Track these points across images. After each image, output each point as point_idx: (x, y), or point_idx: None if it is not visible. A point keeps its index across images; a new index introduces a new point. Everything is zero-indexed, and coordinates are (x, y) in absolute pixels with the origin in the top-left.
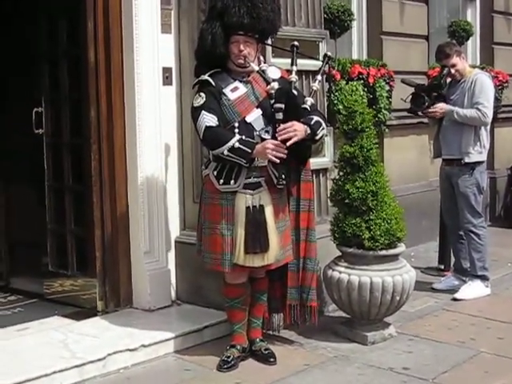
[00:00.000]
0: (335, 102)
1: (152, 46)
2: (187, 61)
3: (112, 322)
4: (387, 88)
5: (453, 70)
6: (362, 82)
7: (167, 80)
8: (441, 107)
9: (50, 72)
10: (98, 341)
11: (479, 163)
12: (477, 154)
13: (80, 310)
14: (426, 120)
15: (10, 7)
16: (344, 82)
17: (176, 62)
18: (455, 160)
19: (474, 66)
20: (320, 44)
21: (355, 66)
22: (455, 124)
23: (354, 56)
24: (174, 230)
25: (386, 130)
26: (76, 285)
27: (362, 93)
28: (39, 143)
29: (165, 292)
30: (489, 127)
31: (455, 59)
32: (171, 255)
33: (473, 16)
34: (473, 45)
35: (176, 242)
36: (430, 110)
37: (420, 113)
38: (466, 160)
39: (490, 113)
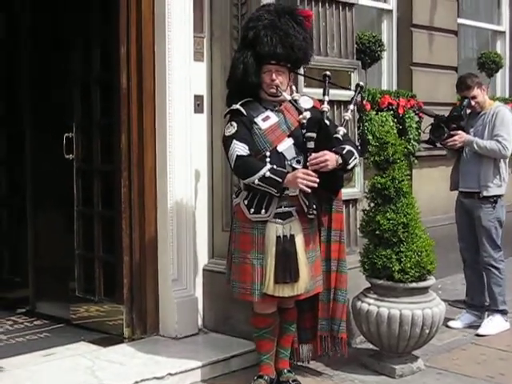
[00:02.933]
0: (365, 132)
1: (184, 74)
2: (219, 89)
3: (138, 350)
4: (416, 119)
5: (473, 102)
6: (392, 112)
7: (198, 108)
8: (460, 136)
9: (82, 97)
10: (124, 368)
11: (500, 197)
12: (496, 187)
13: (106, 337)
14: (444, 152)
15: (46, 32)
16: (374, 113)
17: (208, 89)
18: (475, 193)
19: (504, 99)
20: (352, 74)
21: (385, 96)
22: (474, 156)
23: (384, 87)
24: (203, 258)
25: (416, 161)
26: (103, 311)
27: (391, 123)
28: (69, 169)
29: (192, 320)
30: (508, 160)
31: (476, 91)
32: (199, 283)
33: (502, 48)
34: (502, 77)
35: (204, 270)
36: (449, 140)
37: (439, 144)
38: (485, 193)
39: (510, 146)
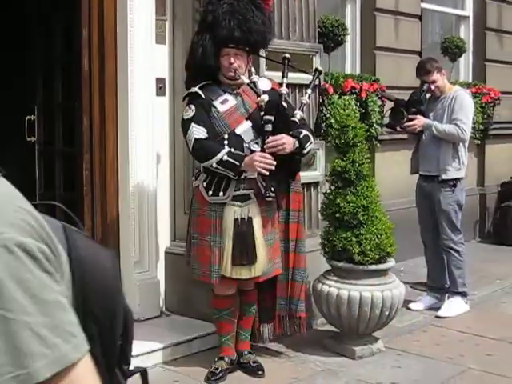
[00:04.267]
0: (327, 115)
1: (146, 57)
2: (181, 72)
3: None
4: (379, 103)
5: (433, 87)
6: (355, 96)
7: (160, 91)
8: (419, 120)
9: (44, 80)
10: None
11: (459, 180)
12: (455, 170)
13: None
14: (406, 136)
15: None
16: (337, 97)
17: (170, 72)
18: (435, 176)
19: (466, 83)
20: (314, 58)
21: (348, 80)
22: (434, 140)
23: (348, 70)
24: (165, 241)
25: (378, 144)
26: None
27: (354, 107)
28: (31, 151)
29: (154, 302)
30: (467, 144)
31: (436, 75)
32: (161, 266)
33: (466, 33)
34: (465, 62)
35: (166, 252)
36: (408, 124)
37: (398, 128)
38: (444, 177)
39: (468, 129)
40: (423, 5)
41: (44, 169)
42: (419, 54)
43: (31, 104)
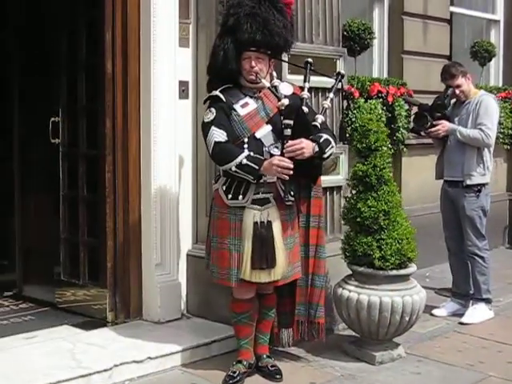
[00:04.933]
0: (353, 119)
1: (169, 60)
2: (204, 75)
3: (120, 333)
4: (406, 107)
5: (457, 91)
6: (381, 100)
7: (183, 94)
8: (443, 125)
9: (69, 82)
10: (105, 351)
11: (484, 185)
12: (479, 176)
13: (90, 320)
14: (431, 140)
15: (32, 18)
16: (363, 101)
17: (193, 75)
18: (459, 182)
19: (496, 88)
20: (337, 61)
21: (375, 84)
22: (459, 145)
23: (375, 74)
24: (186, 244)
25: (405, 149)
26: (87, 294)
27: (380, 111)
28: (55, 153)
29: (175, 305)
30: (492, 149)
31: (460, 80)
32: (182, 268)
33: (496, 37)
34: (495, 66)
35: (188, 255)
36: (432, 129)
37: (423, 133)
38: (468, 182)
39: (493, 134)
40: (452, 9)
41: (68, 170)
42: (448, 58)
43: (55, 106)
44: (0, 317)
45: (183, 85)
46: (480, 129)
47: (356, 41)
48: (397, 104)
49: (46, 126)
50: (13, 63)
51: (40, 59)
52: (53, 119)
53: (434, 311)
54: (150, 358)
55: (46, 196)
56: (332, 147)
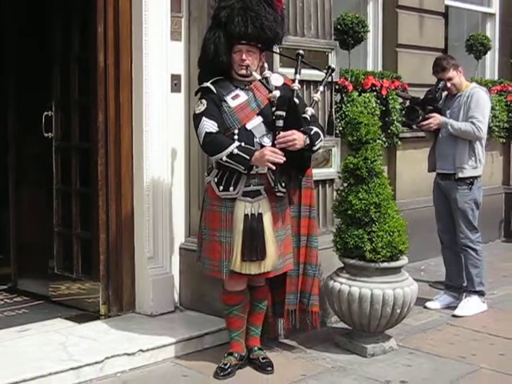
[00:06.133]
0: (347, 113)
1: (161, 53)
2: (196, 68)
3: (113, 326)
4: (400, 100)
5: (449, 84)
6: (375, 94)
7: (176, 87)
8: (434, 118)
9: (61, 76)
10: (96, 344)
11: (476, 178)
12: (471, 168)
13: (83, 313)
14: (423, 133)
15: (27, 10)
16: (356, 94)
17: (185, 69)
18: (451, 175)
19: (492, 81)
20: (329, 55)
21: (369, 77)
22: (450, 138)
23: (370, 68)
24: (179, 237)
25: (399, 142)
26: (81, 288)
27: (374, 105)
28: (49, 147)
29: (168, 298)
30: (484, 142)
31: (452, 73)
32: (175, 261)
33: (492, 30)
34: (491, 59)
35: (181, 248)
36: (424, 123)
37: (415, 126)
38: (460, 175)
39: (484, 127)
40: (448, 2)
41: (61, 164)
42: (443, 51)
43: (49, 100)
44: None
45: (175, 78)
46: (471, 122)
47: (350, 34)
48: (391, 97)
49: (39, 120)
50: (7, 58)
51: (34, 53)
52: (46, 113)
53: (428, 304)
54: (141, 350)
55: (40, 190)
56: (321, 140)
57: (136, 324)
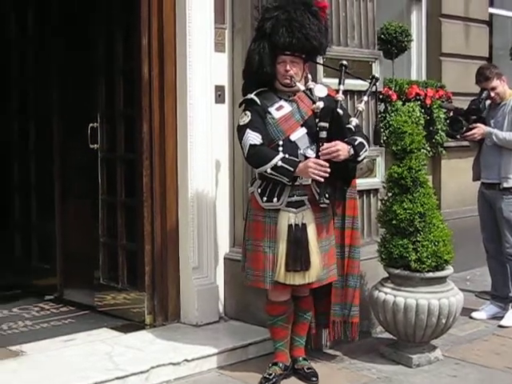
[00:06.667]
0: (391, 122)
1: (205, 64)
2: (240, 79)
3: (158, 336)
4: (445, 110)
5: (492, 93)
6: (419, 103)
7: (219, 98)
8: (479, 128)
9: (106, 87)
10: (142, 354)
11: None
12: None
13: (129, 323)
14: (467, 143)
15: (71, 22)
16: (400, 103)
17: (229, 80)
18: (496, 184)
19: None
20: (373, 64)
21: (413, 86)
22: (495, 148)
23: (413, 77)
24: (224, 247)
25: (444, 151)
26: (126, 298)
27: (418, 114)
28: (94, 158)
29: (212, 308)
30: None
31: (495, 82)
32: (220, 271)
33: None
34: None
35: (225, 258)
36: (468, 133)
37: (458, 137)
38: (505, 185)
39: None
40: (492, 10)
41: (106, 175)
42: (487, 60)
43: (94, 112)
44: (41, 320)
45: (219, 89)
46: None
47: (393, 43)
48: (435, 107)
49: (84, 131)
50: (52, 70)
51: (79, 65)
52: (91, 125)
53: (474, 314)
54: (186, 360)
55: (85, 200)
56: (366, 150)
57: (181, 334)
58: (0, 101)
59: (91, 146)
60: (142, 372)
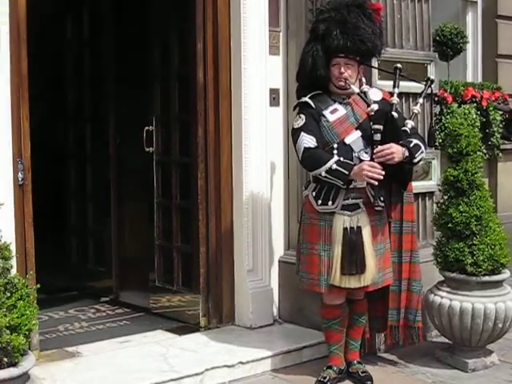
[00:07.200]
0: (446, 125)
1: (259, 67)
2: (295, 82)
3: (212, 338)
4: (501, 112)
5: None
6: (475, 105)
7: (274, 101)
8: None
9: (161, 92)
10: (196, 356)
11: None
12: None
13: (184, 325)
14: None
15: (127, 30)
16: (456, 105)
17: (283, 83)
18: None
19: None
20: (428, 66)
21: (468, 88)
22: None
23: (469, 79)
24: (278, 250)
25: (500, 154)
26: (181, 300)
27: (474, 116)
28: (149, 161)
29: (267, 310)
30: None
31: None
32: (274, 274)
33: None
34: None
35: (280, 261)
36: None
37: None
38: None
39: None
40: None
41: (161, 178)
42: None
43: (149, 115)
44: (97, 321)
45: (274, 92)
46: None
47: (448, 45)
48: (491, 109)
49: (139, 135)
50: (108, 75)
51: (134, 71)
52: (147, 128)
53: None
54: (241, 362)
55: (140, 203)
56: (422, 152)
57: (235, 336)
58: (56, 105)
59: (146, 150)
60: (196, 374)
